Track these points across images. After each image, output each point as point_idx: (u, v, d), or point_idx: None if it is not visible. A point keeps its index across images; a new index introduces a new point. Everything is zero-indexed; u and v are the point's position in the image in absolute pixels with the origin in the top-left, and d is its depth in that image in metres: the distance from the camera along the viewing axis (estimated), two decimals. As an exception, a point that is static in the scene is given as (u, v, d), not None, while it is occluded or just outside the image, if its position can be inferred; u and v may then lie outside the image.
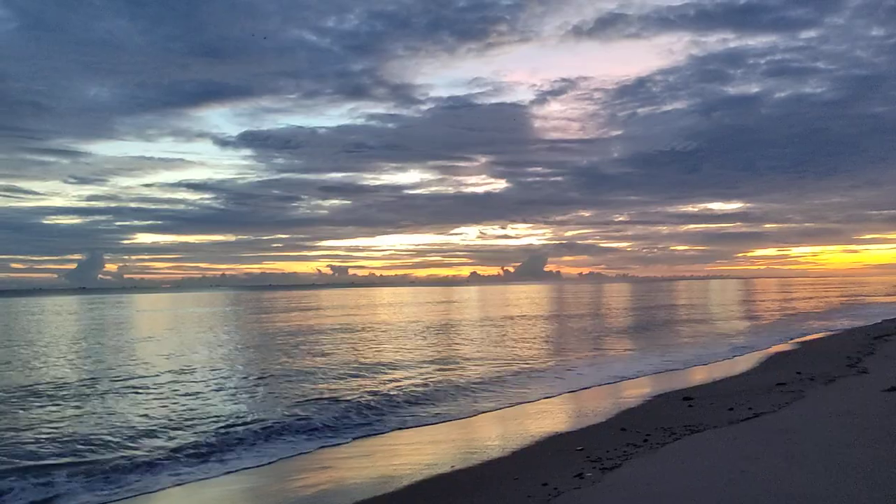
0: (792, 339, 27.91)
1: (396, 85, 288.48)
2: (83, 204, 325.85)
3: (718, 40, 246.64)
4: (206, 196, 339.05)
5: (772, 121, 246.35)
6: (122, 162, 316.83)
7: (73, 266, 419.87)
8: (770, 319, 41.85)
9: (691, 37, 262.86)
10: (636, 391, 16.03)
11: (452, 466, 9.76)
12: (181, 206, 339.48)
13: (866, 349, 20.22)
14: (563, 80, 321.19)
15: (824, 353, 20.47)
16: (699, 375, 18.45)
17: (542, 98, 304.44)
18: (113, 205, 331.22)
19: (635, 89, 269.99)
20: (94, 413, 14.24)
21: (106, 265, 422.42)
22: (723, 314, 48.41)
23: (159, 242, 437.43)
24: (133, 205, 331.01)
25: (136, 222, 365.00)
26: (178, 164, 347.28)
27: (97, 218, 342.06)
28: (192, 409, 14.43)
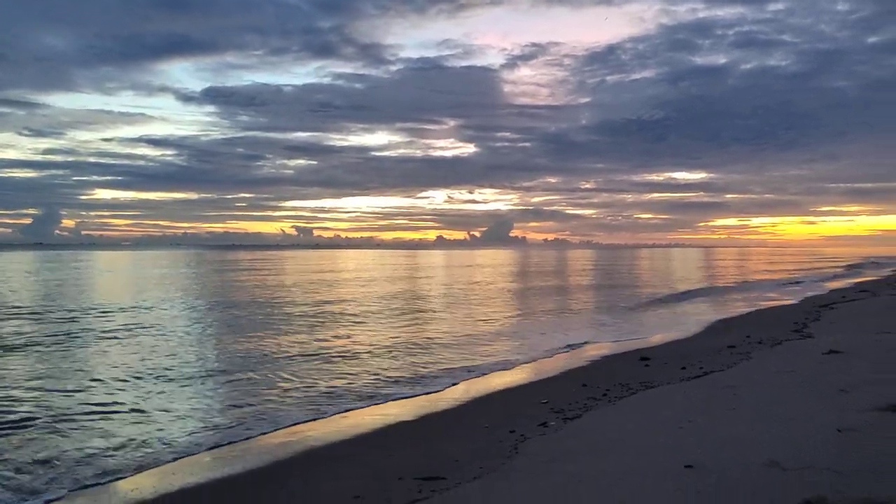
0: (745, 305, 29.27)
1: (365, 44, 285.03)
2: (39, 157, 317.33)
3: (688, 10, 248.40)
4: (168, 152, 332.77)
5: (737, 92, 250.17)
6: (80, 115, 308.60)
7: (28, 221, 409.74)
8: (726, 286, 43.46)
9: (661, 5, 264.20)
10: (596, 352, 16.94)
11: (424, 417, 10.49)
12: (142, 162, 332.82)
13: (813, 316, 21.46)
14: (534, 44, 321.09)
15: (773, 319, 21.68)
16: (655, 338, 19.46)
17: (513, 63, 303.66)
18: (70, 159, 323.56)
19: (605, 57, 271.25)
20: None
21: (63, 221, 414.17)
22: (682, 281, 49.99)
23: (119, 199, 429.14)
24: (92, 159, 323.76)
25: (94, 177, 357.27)
26: (138, 119, 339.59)
27: (54, 172, 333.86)
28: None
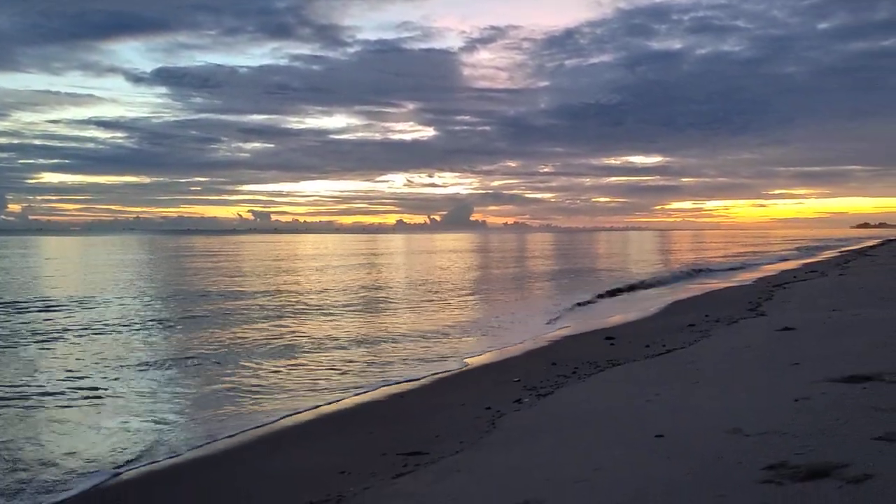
0: (701, 286, 30.23)
1: (322, 25, 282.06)
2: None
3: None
4: (119, 135, 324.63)
5: (692, 77, 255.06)
6: (25, 96, 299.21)
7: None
8: (682, 268, 44.68)
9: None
10: (562, 333, 17.41)
11: (402, 397, 10.76)
12: (91, 145, 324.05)
13: (766, 295, 22.32)
14: (493, 28, 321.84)
15: (729, 299, 22.49)
16: (618, 318, 20.05)
17: (472, 45, 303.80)
18: (16, 141, 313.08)
19: (563, 40, 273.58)
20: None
21: (9, 205, 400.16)
22: (640, 263, 51.16)
23: (67, 182, 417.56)
24: (38, 142, 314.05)
25: (41, 160, 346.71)
26: (87, 101, 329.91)
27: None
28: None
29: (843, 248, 69.40)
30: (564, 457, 6.51)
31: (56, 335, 17.03)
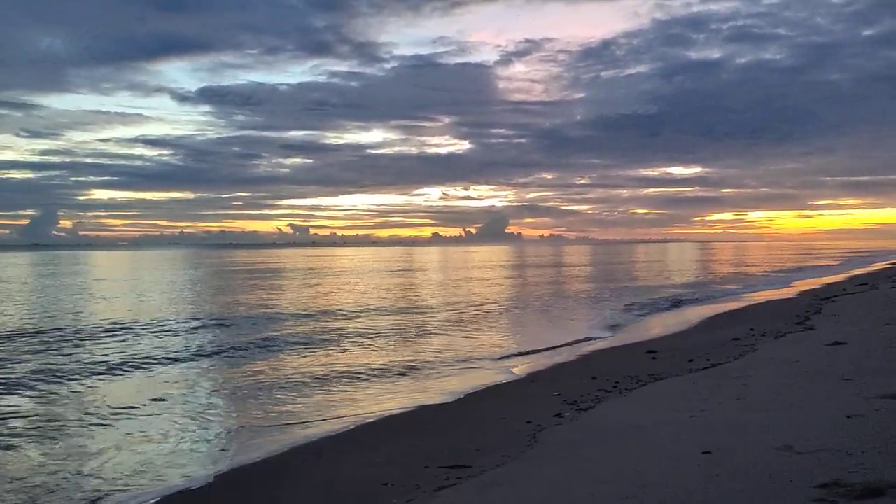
0: (745, 299, 29.58)
1: (360, 43, 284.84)
2: (36, 158, 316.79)
3: (682, 4, 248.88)
4: (165, 152, 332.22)
5: (731, 86, 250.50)
6: (77, 116, 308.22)
7: (25, 222, 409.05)
8: (725, 280, 43.79)
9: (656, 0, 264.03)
10: (601, 346, 17.21)
11: (442, 409, 10.75)
12: (138, 162, 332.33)
13: (814, 309, 21.73)
14: (528, 41, 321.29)
15: (775, 312, 21.96)
16: (659, 331, 19.74)
17: (507, 59, 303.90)
18: (68, 160, 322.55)
19: (599, 52, 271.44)
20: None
21: (60, 221, 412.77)
22: (681, 275, 50.32)
23: (116, 199, 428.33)
24: (88, 160, 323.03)
25: (91, 178, 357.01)
26: (135, 119, 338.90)
27: (51, 173, 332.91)
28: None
29: (894, 260, 67.22)
30: (608, 473, 6.41)
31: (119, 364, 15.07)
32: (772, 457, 6.26)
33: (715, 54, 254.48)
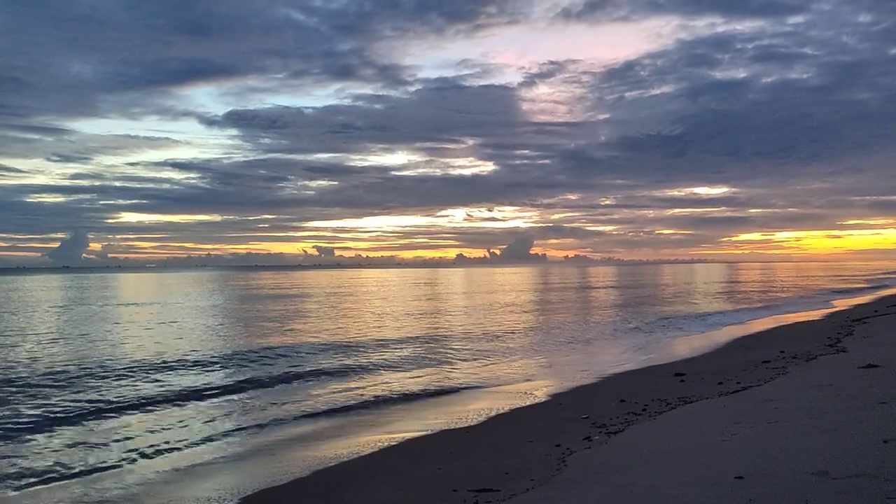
0: (774, 320, 29.14)
1: (384, 66, 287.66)
2: (67, 182, 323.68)
3: (706, 24, 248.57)
4: (192, 175, 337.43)
5: (757, 106, 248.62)
6: (107, 140, 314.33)
7: (56, 245, 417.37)
8: (753, 301, 43.18)
9: (679, 20, 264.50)
10: (630, 367, 17.06)
11: (469, 432, 10.73)
12: (166, 186, 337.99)
13: (846, 331, 21.35)
14: (552, 62, 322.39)
15: (805, 334, 21.61)
16: (687, 353, 19.52)
17: (531, 81, 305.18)
18: (97, 183, 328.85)
19: (623, 73, 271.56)
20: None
21: (90, 244, 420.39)
22: (708, 296, 49.72)
23: (144, 222, 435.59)
24: (117, 183, 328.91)
25: (120, 201, 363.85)
26: (163, 143, 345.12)
27: (81, 196, 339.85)
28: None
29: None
30: (639, 497, 6.35)
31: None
32: (807, 482, 6.16)
33: (740, 74, 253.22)
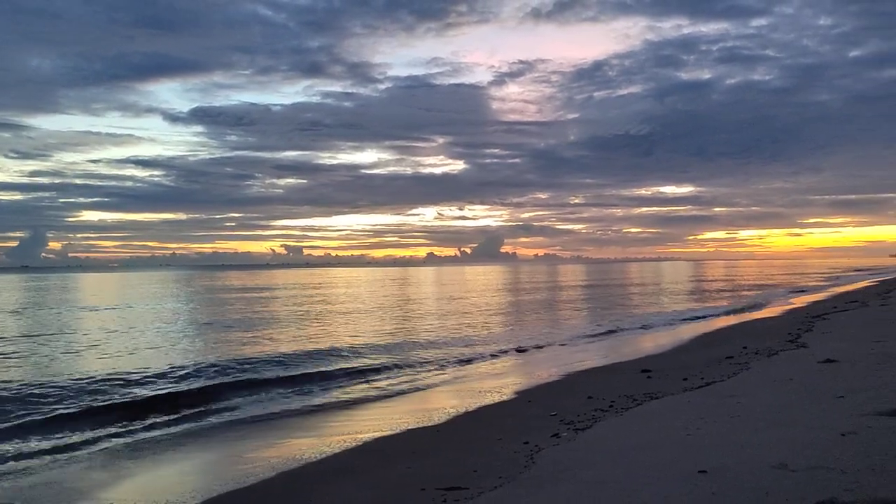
0: (738, 317, 29.72)
1: (354, 63, 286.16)
2: (25, 180, 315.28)
3: (673, 26, 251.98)
4: (156, 173, 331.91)
5: (722, 107, 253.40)
6: (67, 136, 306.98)
7: (14, 244, 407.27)
8: (720, 299, 43.98)
9: (647, 21, 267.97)
10: (598, 364, 17.24)
11: (437, 430, 10.74)
12: (129, 183, 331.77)
13: (806, 326, 21.85)
14: (522, 62, 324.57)
15: (767, 330, 22.07)
16: (654, 350, 19.80)
17: (501, 80, 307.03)
18: (57, 181, 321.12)
19: (592, 73, 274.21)
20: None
21: (50, 243, 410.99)
22: (675, 293, 50.50)
23: (106, 220, 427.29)
24: (78, 181, 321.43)
25: (81, 199, 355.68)
26: (126, 140, 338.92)
27: (40, 194, 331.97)
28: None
29: (882, 277, 67.68)
30: (607, 493, 6.43)
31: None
32: (767, 475, 6.30)
33: (705, 75, 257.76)
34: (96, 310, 40.76)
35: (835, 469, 6.23)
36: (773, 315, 29.75)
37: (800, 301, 38.99)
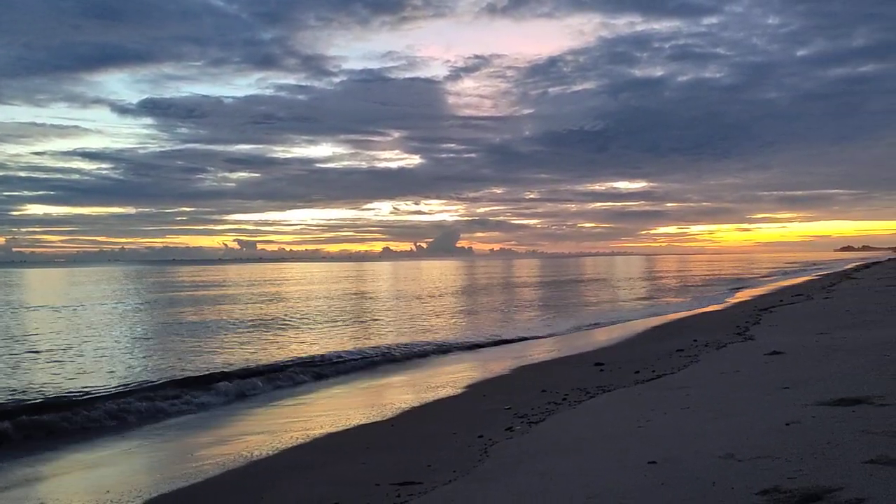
0: (688, 310, 30.37)
1: (308, 56, 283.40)
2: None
3: (626, 23, 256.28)
4: (104, 166, 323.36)
5: (674, 104, 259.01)
6: (10, 128, 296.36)
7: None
8: (671, 293, 44.91)
9: (601, 18, 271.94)
10: (551, 358, 17.40)
11: (391, 425, 10.67)
12: (76, 176, 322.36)
13: (753, 319, 22.43)
14: (477, 56, 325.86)
15: (716, 323, 22.60)
16: (607, 343, 20.08)
17: (456, 74, 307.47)
18: (0, 173, 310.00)
19: (547, 68, 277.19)
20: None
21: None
22: (627, 287, 51.36)
23: (52, 214, 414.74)
24: (22, 174, 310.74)
25: (25, 192, 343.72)
26: (72, 132, 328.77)
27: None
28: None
29: (827, 271, 70.04)
30: (558, 485, 6.47)
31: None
32: (715, 465, 6.41)
33: (658, 72, 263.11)
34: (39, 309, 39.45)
35: (779, 458, 6.37)
36: (722, 308, 30.49)
37: (747, 294, 40.06)
